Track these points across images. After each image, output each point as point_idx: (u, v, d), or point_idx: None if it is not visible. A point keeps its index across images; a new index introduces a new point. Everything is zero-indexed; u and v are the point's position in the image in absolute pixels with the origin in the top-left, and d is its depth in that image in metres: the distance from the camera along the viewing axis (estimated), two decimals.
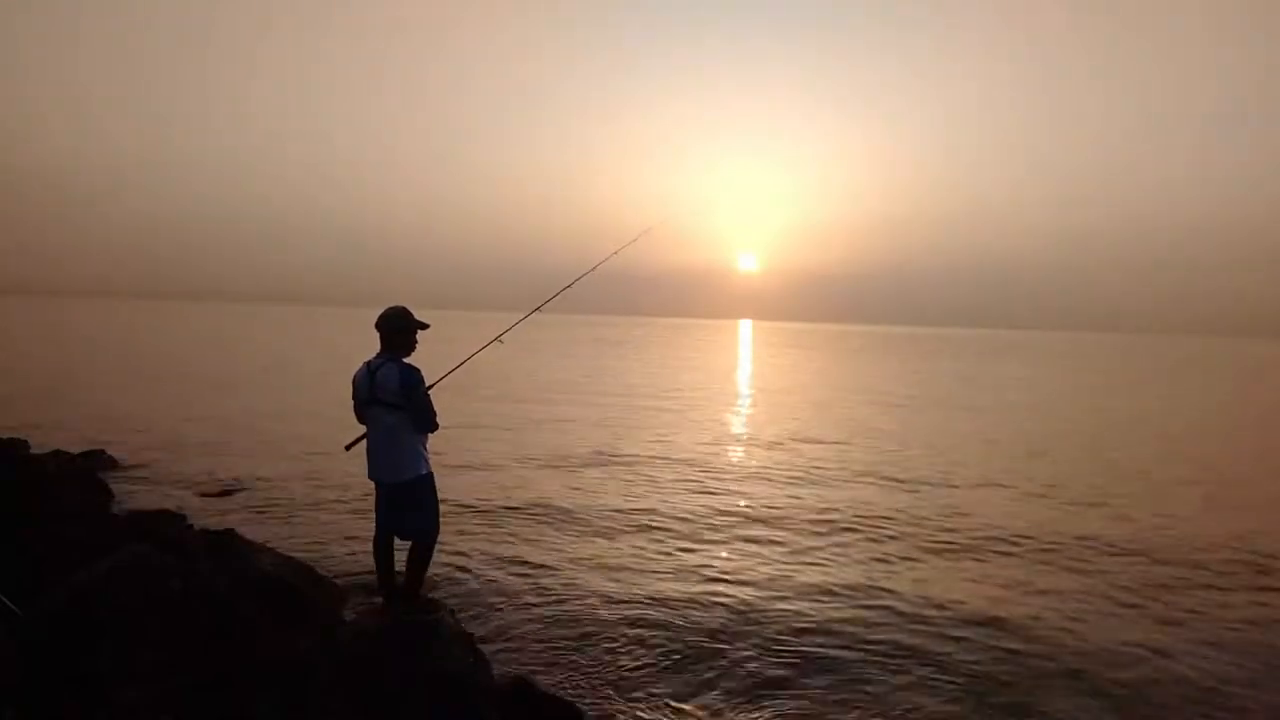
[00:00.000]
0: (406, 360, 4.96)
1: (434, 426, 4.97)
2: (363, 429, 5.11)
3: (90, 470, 9.79)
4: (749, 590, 6.85)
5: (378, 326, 4.98)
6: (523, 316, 6.60)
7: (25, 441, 10.74)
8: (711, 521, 9.21)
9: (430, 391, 5.00)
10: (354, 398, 5.03)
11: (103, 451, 11.41)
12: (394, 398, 4.81)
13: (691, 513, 9.56)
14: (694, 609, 6.36)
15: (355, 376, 5.00)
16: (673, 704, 4.89)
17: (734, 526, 9.04)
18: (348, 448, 5.30)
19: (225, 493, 9.75)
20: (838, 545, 8.38)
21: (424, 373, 4.96)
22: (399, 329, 4.98)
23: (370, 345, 5.08)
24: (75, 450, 10.93)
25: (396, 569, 5.21)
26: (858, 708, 4.93)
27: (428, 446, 5.07)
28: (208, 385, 22.40)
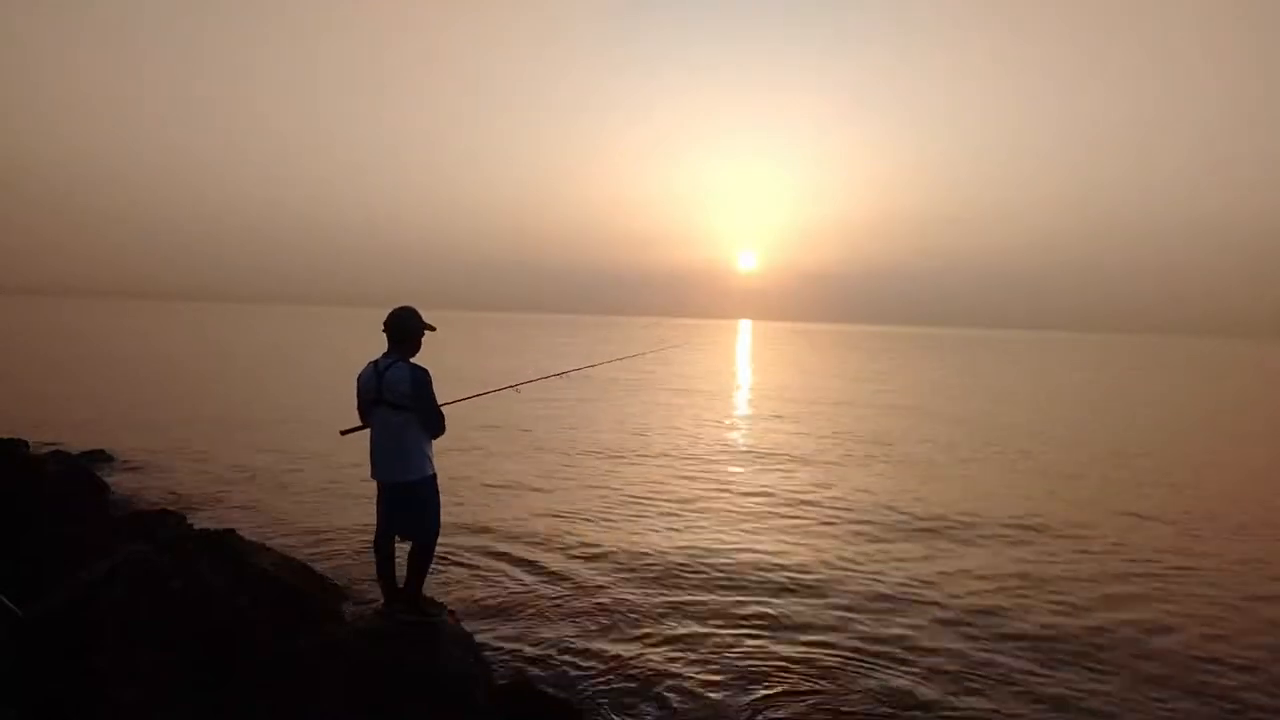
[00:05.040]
0: (414, 361, 4.96)
1: (440, 429, 4.97)
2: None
3: (90, 470, 9.78)
4: (750, 598, 6.85)
5: (386, 327, 4.98)
6: (540, 377, 6.96)
7: (25, 441, 10.74)
8: (726, 537, 9.20)
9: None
10: (359, 397, 5.02)
11: (102, 451, 11.41)
12: (402, 398, 4.80)
13: (701, 522, 9.55)
14: (694, 614, 6.36)
15: (361, 376, 4.99)
16: (671, 705, 4.89)
17: (750, 535, 9.04)
18: (344, 433, 5.28)
19: (224, 492, 9.75)
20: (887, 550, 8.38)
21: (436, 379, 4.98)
22: (408, 330, 4.98)
23: (373, 345, 5.08)
24: (75, 450, 10.93)
25: (397, 569, 5.21)
26: (854, 709, 4.94)
27: (432, 447, 5.07)
28: (207, 385, 22.41)
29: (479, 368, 30.55)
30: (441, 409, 4.95)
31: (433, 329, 5.12)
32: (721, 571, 7.39)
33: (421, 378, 4.84)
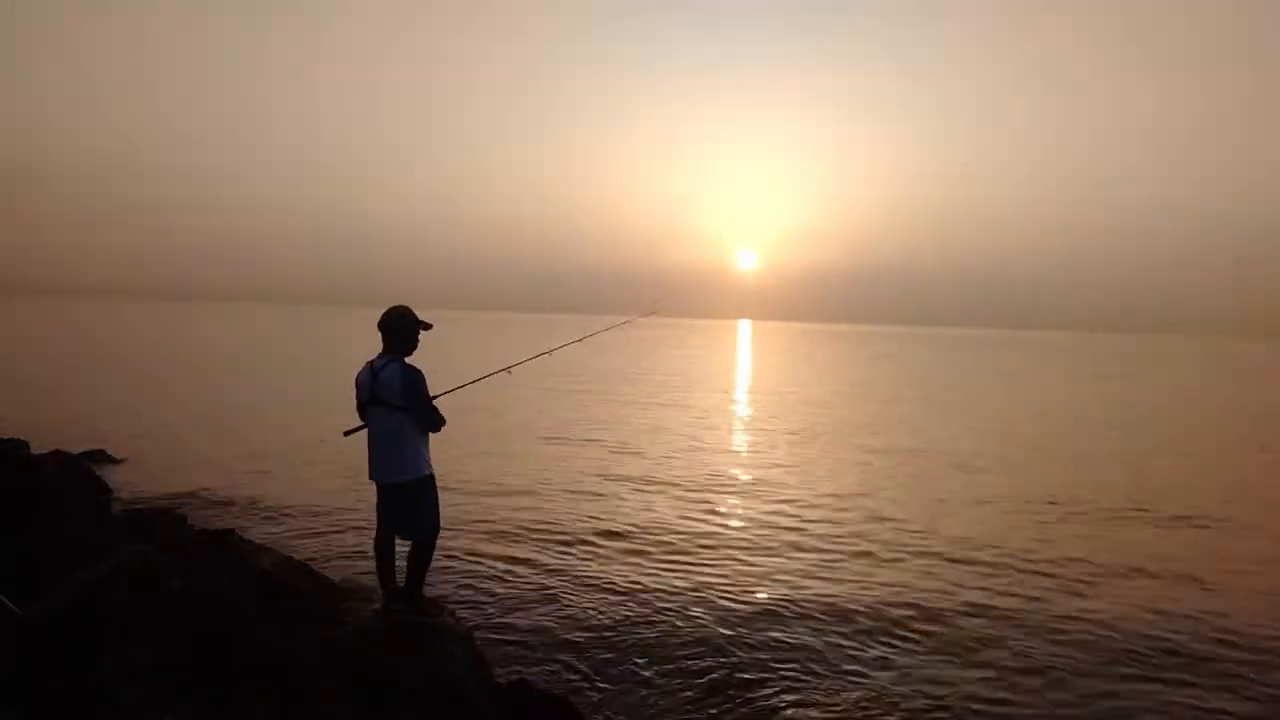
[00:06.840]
0: (409, 360, 4.96)
1: (438, 425, 4.96)
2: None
3: (90, 470, 9.78)
4: (751, 599, 6.85)
5: (380, 326, 4.98)
6: (532, 356, 7.15)
7: (25, 441, 10.73)
8: (723, 535, 9.17)
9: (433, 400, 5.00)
10: (357, 398, 5.03)
11: (103, 451, 11.40)
12: (396, 398, 4.81)
13: (700, 524, 9.53)
14: (694, 615, 6.36)
15: (358, 377, 5.00)
16: (671, 706, 4.89)
17: (750, 542, 9.01)
18: (347, 434, 5.29)
19: (224, 492, 9.75)
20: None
21: (428, 375, 4.97)
22: (402, 329, 4.97)
23: (372, 344, 5.08)
24: (75, 450, 10.92)
25: (397, 569, 5.21)
26: (857, 708, 4.94)
27: (429, 446, 5.07)
28: (207, 384, 22.40)
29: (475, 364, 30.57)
30: (435, 405, 4.95)
31: (428, 327, 5.11)
32: (726, 571, 7.39)
33: (413, 378, 4.84)
